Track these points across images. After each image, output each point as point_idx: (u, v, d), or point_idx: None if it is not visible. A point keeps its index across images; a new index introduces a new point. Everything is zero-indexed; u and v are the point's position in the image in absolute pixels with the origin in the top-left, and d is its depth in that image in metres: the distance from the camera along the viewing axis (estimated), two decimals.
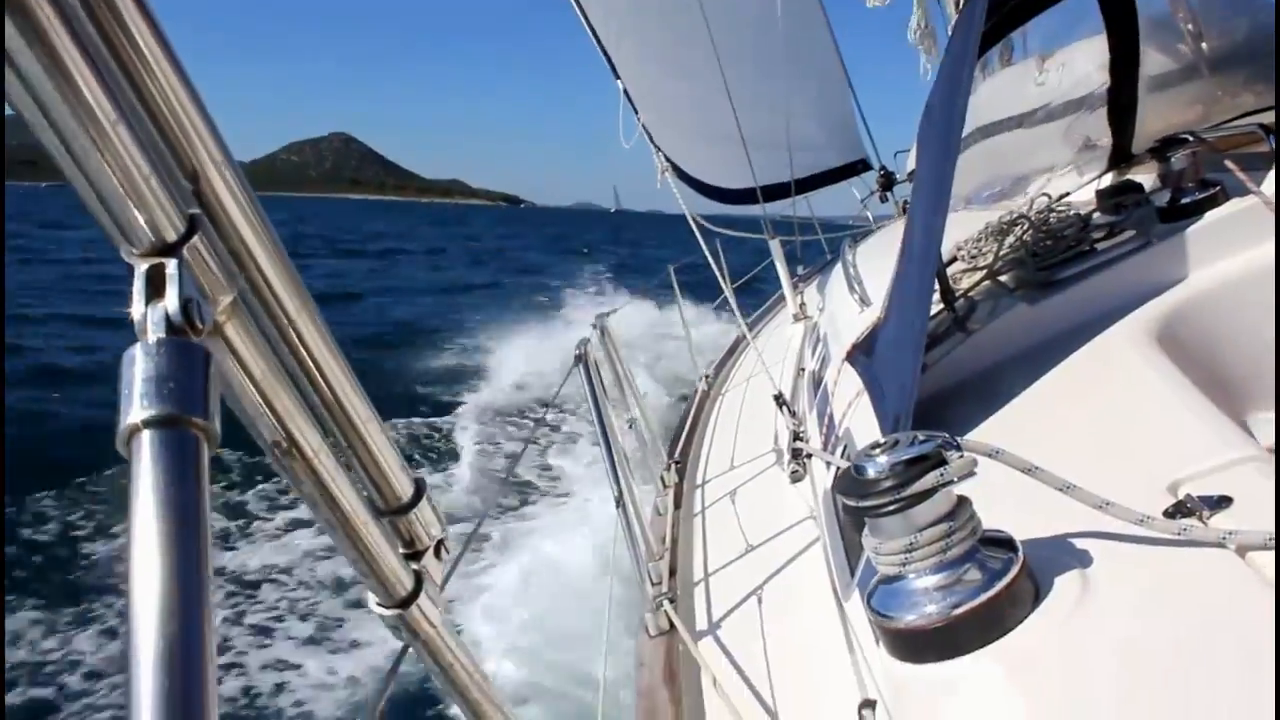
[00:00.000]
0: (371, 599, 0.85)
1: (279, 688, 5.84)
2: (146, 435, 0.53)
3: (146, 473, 0.51)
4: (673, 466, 3.89)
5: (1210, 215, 1.95)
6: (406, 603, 0.85)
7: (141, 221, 0.56)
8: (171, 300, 0.56)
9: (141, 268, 0.57)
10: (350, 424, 0.79)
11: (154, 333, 0.56)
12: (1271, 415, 1.67)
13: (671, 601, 2.49)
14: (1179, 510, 1.03)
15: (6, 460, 8.71)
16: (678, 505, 3.45)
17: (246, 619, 6.76)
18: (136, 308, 0.56)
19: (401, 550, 0.86)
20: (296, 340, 0.73)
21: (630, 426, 3.83)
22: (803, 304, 5.49)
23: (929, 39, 6.43)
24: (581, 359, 3.16)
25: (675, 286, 6.43)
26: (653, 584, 2.58)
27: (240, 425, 0.70)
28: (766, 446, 3.44)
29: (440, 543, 0.90)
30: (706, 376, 5.47)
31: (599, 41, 6.14)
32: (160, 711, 0.45)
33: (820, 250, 8.65)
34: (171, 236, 0.58)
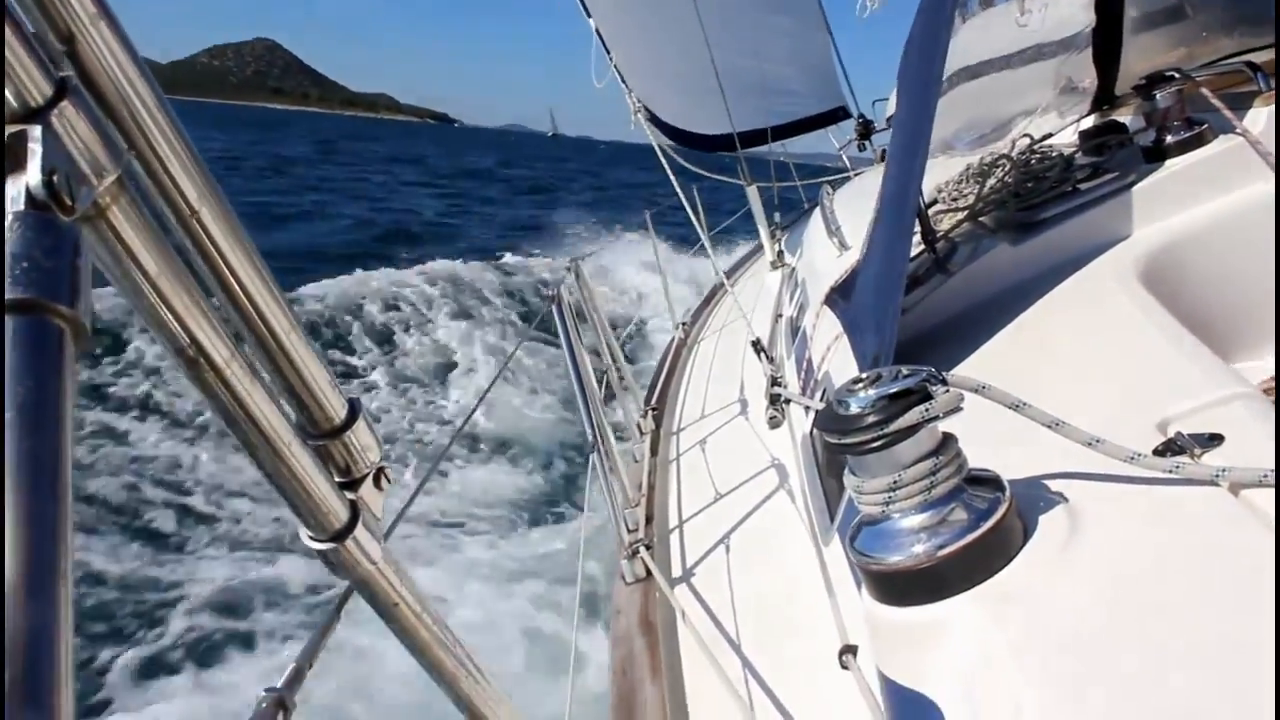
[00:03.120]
0: (303, 531, 0.78)
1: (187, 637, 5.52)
2: None
3: None
4: (649, 413, 3.86)
5: (1195, 154, 1.92)
6: (341, 535, 0.78)
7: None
8: (34, 172, 0.49)
9: None
10: (270, 332, 0.71)
11: (11, 208, 0.48)
12: (1259, 359, 1.65)
13: (648, 548, 2.47)
14: (1169, 448, 1.00)
15: None
16: (654, 452, 3.43)
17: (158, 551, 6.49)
18: None
19: (336, 479, 0.79)
20: (200, 230, 0.65)
21: (604, 375, 3.79)
22: (780, 251, 5.45)
23: None
24: (555, 300, 3.10)
25: (651, 232, 6.37)
26: (629, 530, 2.56)
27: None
28: (743, 393, 3.42)
29: (380, 470, 0.83)
30: (683, 324, 5.44)
31: None
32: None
33: (797, 195, 8.60)
34: (36, 101, 0.50)
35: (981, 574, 0.89)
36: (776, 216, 6.52)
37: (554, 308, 3.08)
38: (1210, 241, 1.76)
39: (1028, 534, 0.93)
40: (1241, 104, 1.94)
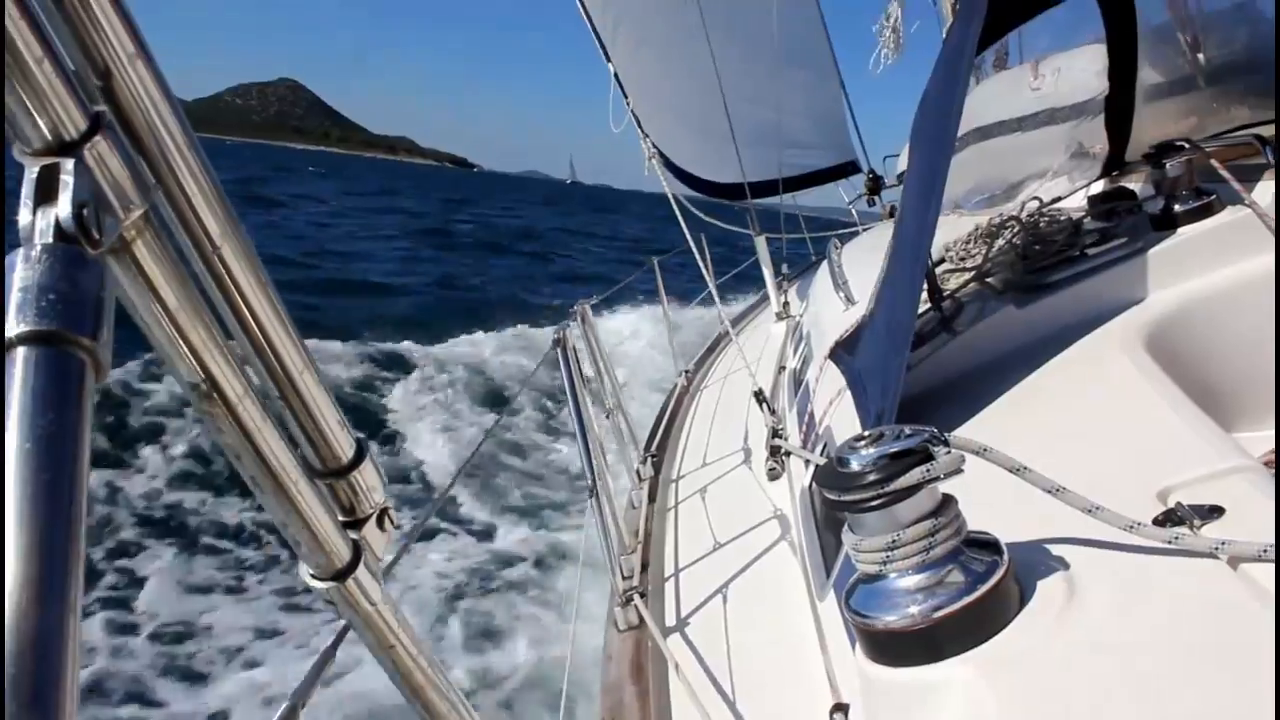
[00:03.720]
0: (304, 568, 0.78)
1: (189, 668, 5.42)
2: (20, 353, 0.45)
3: (16, 396, 0.44)
4: (649, 460, 3.85)
5: (1203, 224, 1.93)
6: (343, 575, 0.78)
7: (36, 116, 0.49)
8: (64, 205, 0.50)
9: (33, 168, 0.50)
10: (282, 370, 0.71)
11: (40, 239, 0.49)
12: (1261, 430, 1.64)
13: (642, 596, 2.45)
14: (1169, 518, 0.99)
15: None
16: (652, 499, 3.41)
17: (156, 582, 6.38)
18: (24, 214, 0.50)
19: (340, 518, 0.79)
20: (221, 268, 0.65)
21: (608, 417, 3.78)
22: (786, 303, 5.47)
23: (895, 35, 6.37)
24: (560, 345, 3.10)
25: (659, 279, 6.39)
26: (623, 578, 2.54)
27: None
28: (744, 443, 3.41)
29: (384, 511, 0.82)
30: (686, 371, 5.44)
31: (593, 25, 6.09)
32: (8, 673, 0.38)
33: (804, 248, 8.63)
34: (70, 134, 0.51)
35: (977, 637, 0.88)
36: (784, 268, 6.54)
37: (558, 350, 3.08)
38: (1215, 311, 1.76)
39: (1024, 598, 0.92)
40: (1250, 176, 1.96)
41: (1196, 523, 0.97)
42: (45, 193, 0.50)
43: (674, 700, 2.00)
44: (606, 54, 6.06)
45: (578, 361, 3.16)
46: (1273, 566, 0.86)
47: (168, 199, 0.60)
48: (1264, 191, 1.92)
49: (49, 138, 0.50)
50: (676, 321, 6.82)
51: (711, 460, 3.59)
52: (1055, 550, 0.99)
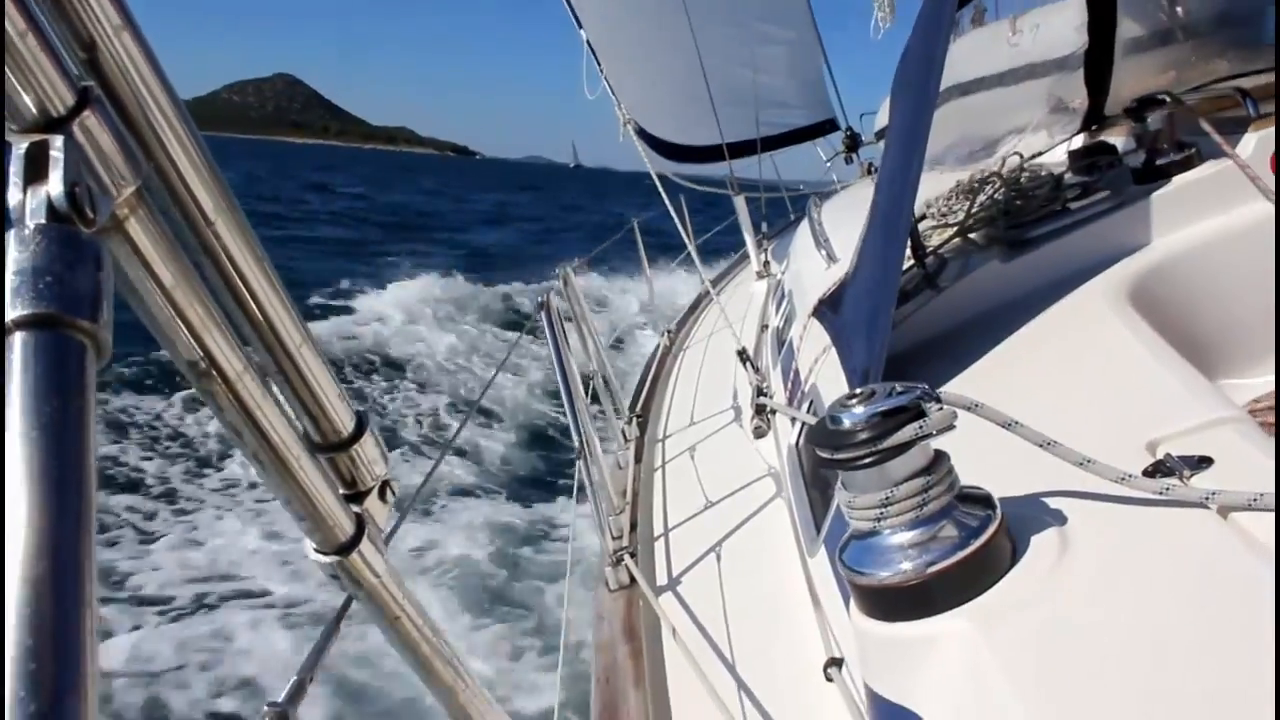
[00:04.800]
0: (308, 544, 0.78)
1: (196, 648, 5.34)
2: (19, 338, 0.44)
3: (17, 383, 0.43)
4: (634, 420, 3.86)
5: (1185, 177, 1.94)
6: (347, 549, 0.77)
7: (22, 92, 0.48)
8: (55, 183, 0.48)
9: (21, 146, 0.49)
10: (280, 345, 0.70)
11: (32, 219, 0.47)
12: (1244, 379, 1.66)
13: (632, 555, 2.47)
14: (1159, 469, 1.00)
15: None
16: (638, 459, 3.42)
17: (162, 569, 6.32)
18: (13, 194, 0.48)
19: (342, 491, 0.78)
20: (215, 244, 0.64)
21: (592, 379, 3.79)
22: (766, 261, 5.46)
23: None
24: (544, 307, 3.10)
25: (639, 242, 6.37)
26: (613, 538, 2.55)
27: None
28: (728, 402, 3.42)
29: (386, 484, 0.82)
30: (669, 331, 5.44)
31: None
32: (21, 672, 0.36)
33: (783, 211, 8.62)
34: (58, 110, 0.49)
35: (971, 591, 0.89)
36: (764, 226, 6.53)
37: (543, 314, 3.08)
38: (1198, 263, 1.77)
39: (1017, 552, 0.93)
40: (1232, 128, 1.96)
41: (1186, 473, 0.98)
42: (35, 171, 0.48)
43: (668, 658, 2.02)
44: (578, 20, 5.98)
45: (563, 325, 3.15)
46: (1262, 515, 0.87)
47: (159, 174, 0.59)
48: (1246, 144, 1.92)
49: (35, 114, 0.49)
50: (658, 287, 6.83)
51: (697, 420, 3.60)
52: (1047, 504, 1.00)
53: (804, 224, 4.06)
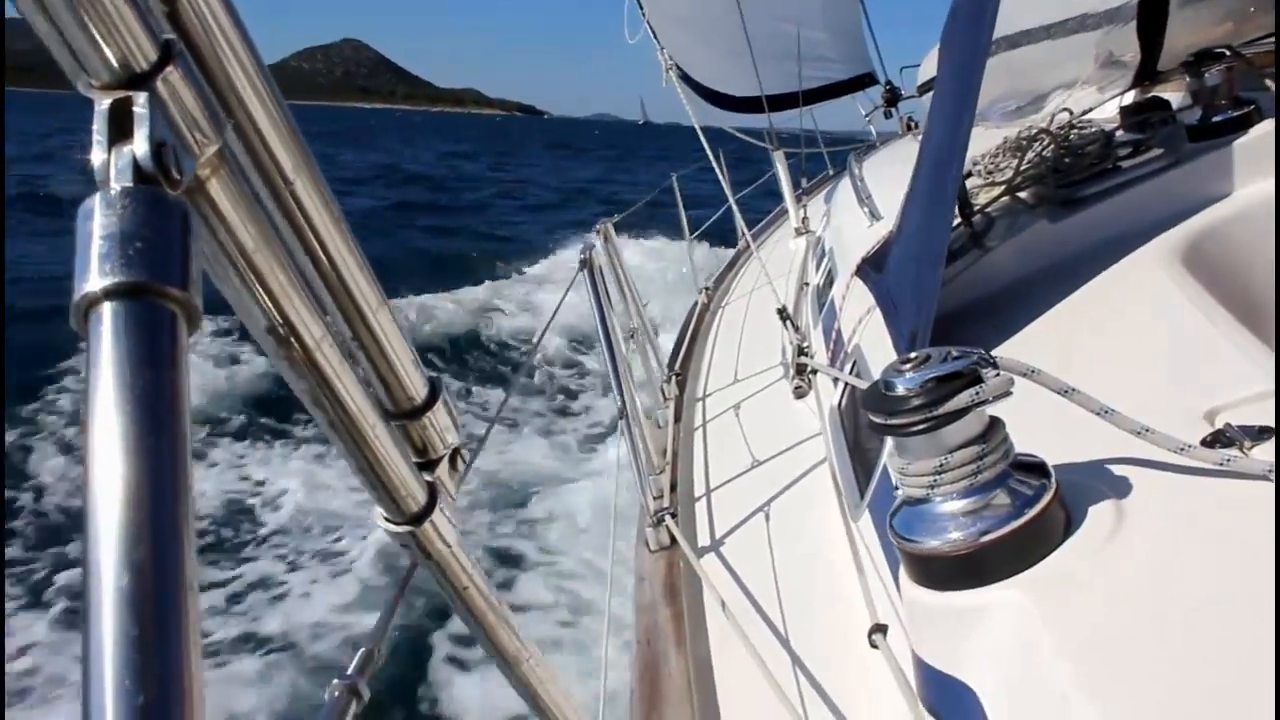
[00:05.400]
0: (379, 513, 0.77)
1: (270, 615, 5.39)
2: (108, 308, 0.42)
3: (108, 356, 0.41)
4: (673, 378, 3.85)
5: (1244, 135, 1.88)
6: (419, 518, 0.76)
7: (104, 46, 0.45)
8: (141, 142, 0.45)
9: (104, 103, 0.46)
10: (357, 311, 0.68)
11: (118, 181, 0.45)
12: None
13: (673, 516, 2.47)
14: (1218, 440, 0.98)
15: None
16: (678, 419, 3.42)
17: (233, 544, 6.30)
18: (97, 153, 0.45)
19: (414, 459, 0.77)
20: (294, 206, 0.62)
21: (633, 337, 3.77)
22: (805, 218, 5.41)
23: None
24: (586, 265, 3.08)
25: (678, 195, 6.32)
26: (654, 498, 2.55)
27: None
28: (768, 361, 3.40)
29: (456, 451, 0.81)
30: (707, 288, 5.41)
31: None
32: (124, 659, 0.35)
33: (822, 166, 8.50)
34: (141, 65, 0.47)
35: (1024, 562, 0.88)
36: (803, 182, 6.46)
37: (584, 272, 3.06)
38: (1257, 225, 1.72)
39: (1072, 523, 0.92)
40: None
41: (1247, 444, 0.96)
42: (118, 130, 0.46)
43: (710, 620, 2.02)
44: None
45: (604, 282, 3.14)
46: None
47: (238, 133, 0.57)
48: None
49: (118, 69, 0.46)
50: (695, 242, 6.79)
51: (736, 379, 3.59)
52: (1103, 473, 0.98)
53: (844, 180, 4.00)
